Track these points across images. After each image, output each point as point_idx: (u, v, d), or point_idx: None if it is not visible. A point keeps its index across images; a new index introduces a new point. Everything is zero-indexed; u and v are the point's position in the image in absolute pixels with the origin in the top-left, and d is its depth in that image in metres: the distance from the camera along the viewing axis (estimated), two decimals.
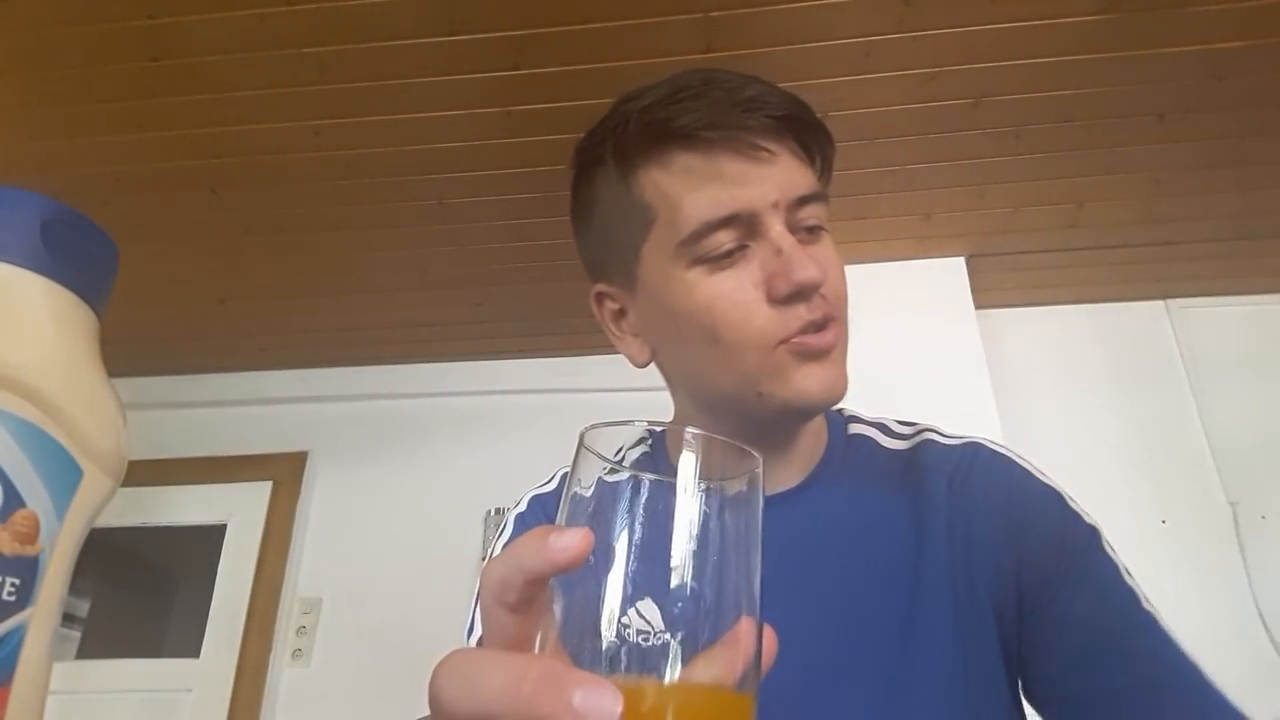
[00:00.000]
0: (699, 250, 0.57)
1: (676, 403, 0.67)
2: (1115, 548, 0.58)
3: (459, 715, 0.26)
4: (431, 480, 2.47)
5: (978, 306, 2.18)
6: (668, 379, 0.66)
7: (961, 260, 2.21)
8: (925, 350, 2.10)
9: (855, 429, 0.68)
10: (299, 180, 1.89)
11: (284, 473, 2.53)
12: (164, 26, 1.52)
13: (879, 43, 1.57)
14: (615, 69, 1.59)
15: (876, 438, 0.67)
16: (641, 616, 0.26)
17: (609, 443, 0.30)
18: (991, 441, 0.65)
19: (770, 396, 0.57)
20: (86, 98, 1.66)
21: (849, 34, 1.55)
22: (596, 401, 2.37)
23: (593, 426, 0.30)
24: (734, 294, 0.56)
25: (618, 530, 0.27)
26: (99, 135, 1.75)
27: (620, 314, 0.65)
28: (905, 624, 0.56)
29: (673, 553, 0.26)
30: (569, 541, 0.26)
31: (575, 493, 0.28)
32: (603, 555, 0.26)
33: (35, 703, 0.27)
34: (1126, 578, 0.57)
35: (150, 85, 1.63)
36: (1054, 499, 0.60)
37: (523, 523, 0.67)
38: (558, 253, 2.10)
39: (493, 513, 2.30)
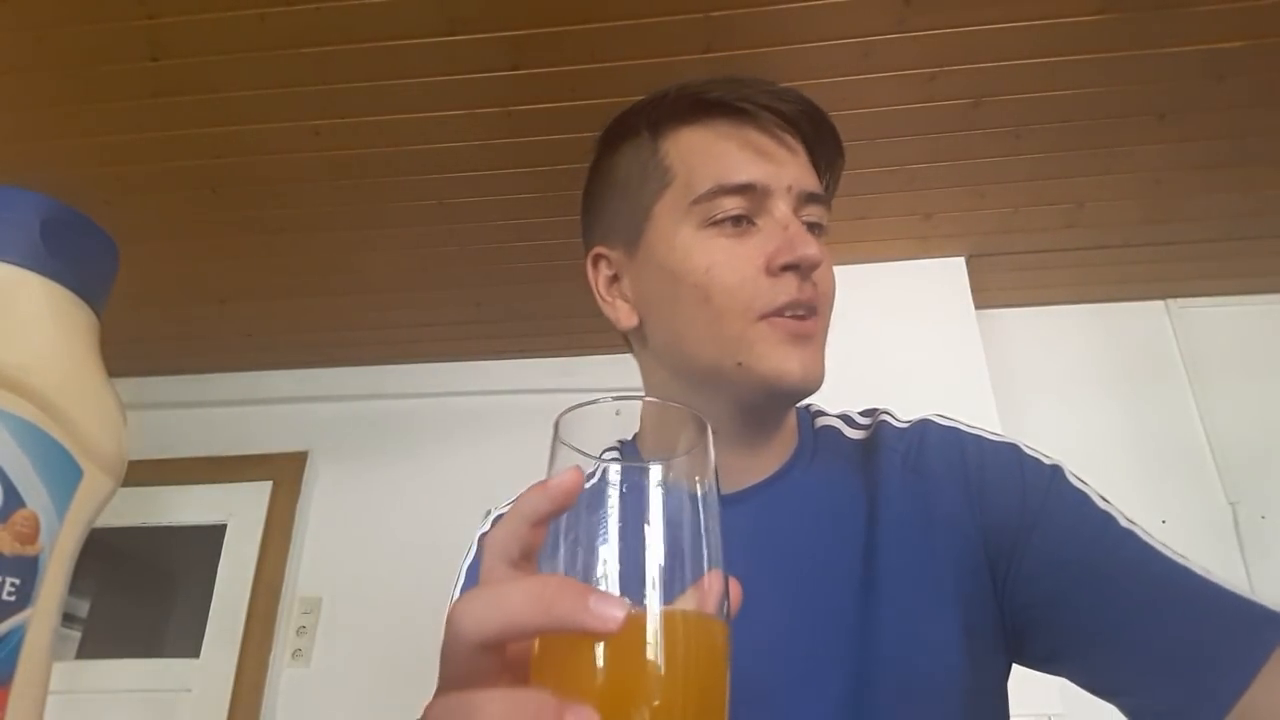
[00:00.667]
0: (708, 210, 0.59)
1: (651, 384, 0.68)
2: (1085, 479, 0.58)
3: (486, 634, 0.28)
4: (431, 480, 2.47)
5: (978, 306, 2.18)
6: (649, 355, 0.66)
7: (961, 260, 2.21)
8: (925, 350, 2.10)
9: (821, 421, 0.70)
10: (299, 180, 1.89)
11: (284, 473, 2.53)
12: (164, 26, 1.52)
13: (879, 43, 1.57)
14: (615, 69, 1.59)
15: (841, 428, 0.69)
16: (614, 574, 0.30)
17: (581, 425, 0.33)
18: (941, 416, 0.65)
19: (749, 369, 0.58)
20: (86, 98, 1.66)
21: (849, 34, 1.55)
22: None
23: (565, 412, 0.33)
24: (732, 260, 0.58)
25: (595, 513, 0.30)
26: (99, 135, 1.75)
27: (614, 279, 0.67)
28: (861, 616, 0.56)
29: (645, 532, 0.30)
30: (563, 477, 0.30)
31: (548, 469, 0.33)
32: (582, 535, 0.31)
33: (35, 703, 0.27)
34: (1100, 503, 0.56)
35: (150, 85, 1.63)
36: (1008, 451, 0.61)
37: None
38: (558, 253, 2.10)
39: (492, 513, 2.29)
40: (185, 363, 2.63)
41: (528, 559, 0.32)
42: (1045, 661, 0.56)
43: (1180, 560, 0.52)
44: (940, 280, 2.19)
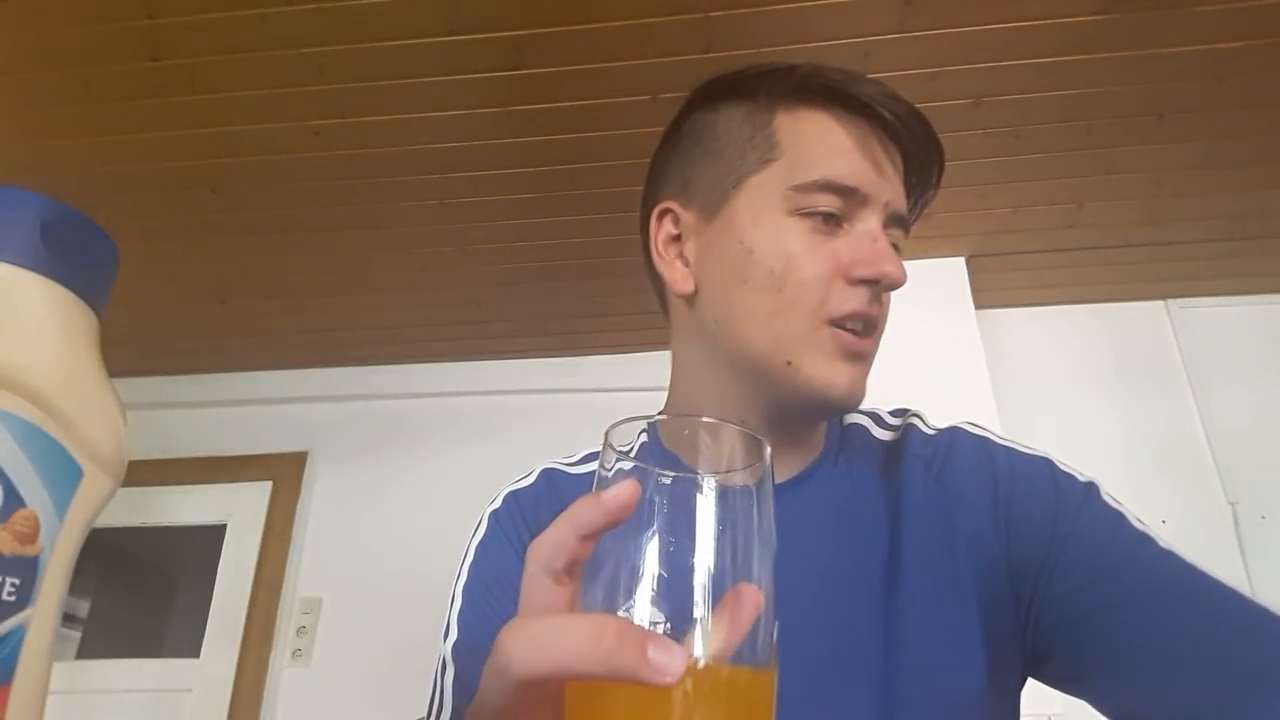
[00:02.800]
0: (804, 201, 0.58)
1: (685, 365, 0.65)
2: (1119, 499, 0.56)
3: (536, 674, 0.27)
4: (431, 480, 2.47)
5: (978, 306, 2.18)
6: (692, 327, 0.63)
7: (961, 260, 2.21)
8: (925, 350, 2.10)
9: (850, 419, 0.68)
10: (299, 180, 1.89)
11: (284, 473, 2.53)
12: (164, 26, 1.52)
13: (879, 43, 1.57)
14: (615, 69, 1.59)
15: (869, 427, 0.67)
16: (659, 599, 0.28)
17: (628, 437, 0.32)
18: (972, 424, 0.64)
19: (797, 370, 0.57)
20: (86, 98, 1.66)
21: (849, 34, 1.55)
22: (596, 401, 2.37)
23: (616, 424, 0.32)
24: (814, 255, 0.57)
25: (639, 523, 0.29)
26: (99, 135, 1.75)
27: (675, 239, 0.64)
28: (884, 619, 0.55)
29: (693, 545, 0.28)
30: (619, 490, 0.28)
31: (603, 477, 0.31)
32: (624, 545, 0.29)
33: (35, 703, 0.27)
34: (1135, 523, 0.54)
35: (150, 85, 1.63)
36: (1041, 466, 0.59)
37: (497, 519, 0.66)
38: (558, 253, 2.10)
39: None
40: (185, 363, 2.63)
41: (571, 573, 0.30)
42: (1068, 681, 0.54)
43: (1222, 581, 0.49)
44: (940, 280, 2.19)
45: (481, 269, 2.20)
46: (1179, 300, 2.38)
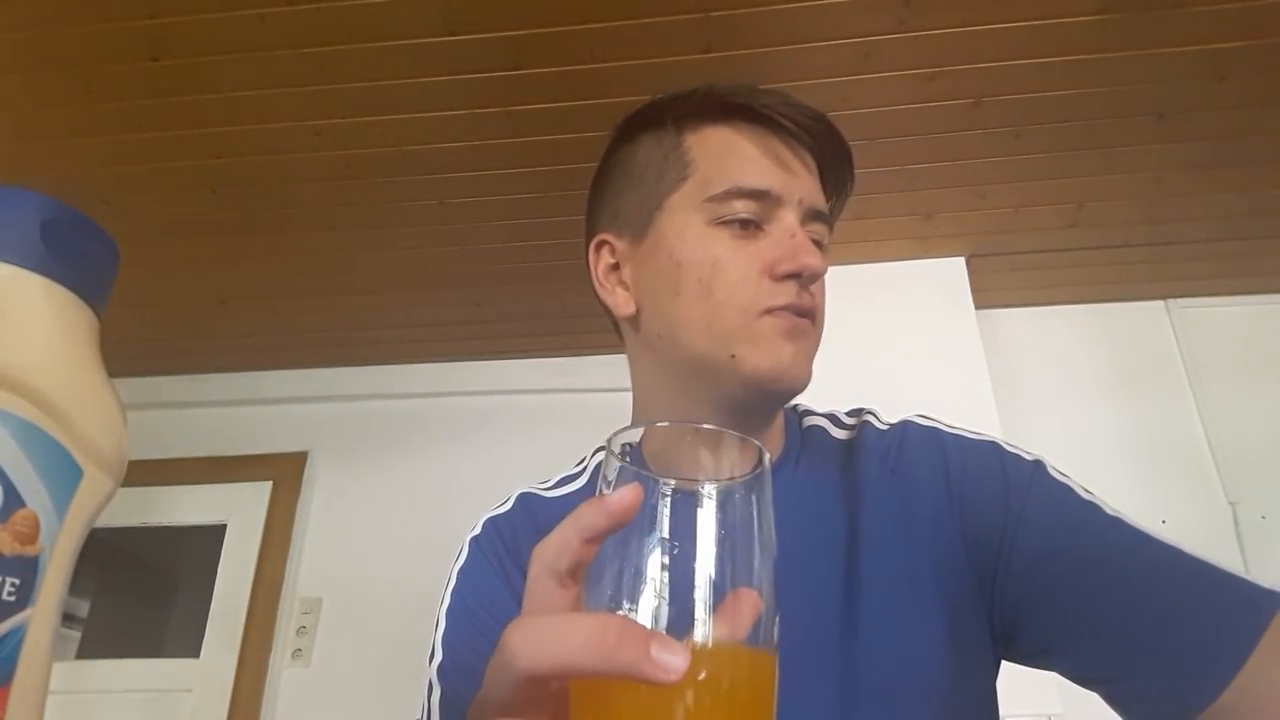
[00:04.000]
0: (720, 209, 0.61)
1: (641, 381, 0.68)
2: (1066, 472, 0.58)
3: (540, 670, 0.28)
4: (431, 480, 2.47)
5: (978, 306, 2.18)
6: (640, 343, 0.67)
7: (961, 260, 2.21)
8: (925, 350, 2.10)
9: (809, 421, 0.70)
10: (299, 180, 1.89)
11: (284, 473, 2.53)
12: (164, 26, 1.52)
13: (879, 43, 1.57)
14: (615, 69, 1.59)
15: (827, 428, 0.69)
16: (660, 601, 0.29)
17: (627, 444, 0.33)
18: (922, 416, 0.66)
19: (742, 360, 0.59)
20: (86, 98, 1.66)
21: (849, 34, 1.55)
22: (596, 401, 2.36)
23: (619, 431, 0.33)
24: (737, 259, 0.60)
25: (641, 527, 0.30)
26: (99, 135, 1.75)
27: (614, 268, 0.68)
28: (845, 613, 0.56)
29: (695, 549, 0.29)
30: (622, 494, 0.29)
31: (602, 488, 0.32)
32: (626, 549, 0.30)
33: (35, 703, 0.27)
34: (1083, 493, 0.56)
35: (150, 85, 1.63)
36: (988, 449, 0.61)
37: (477, 545, 0.68)
38: (558, 253, 2.10)
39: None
40: (185, 363, 2.62)
41: (575, 575, 0.31)
42: (1037, 656, 0.56)
43: (1170, 543, 0.52)
44: (940, 280, 2.19)
45: (482, 269, 2.20)
46: (1179, 300, 2.38)
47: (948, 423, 0.65)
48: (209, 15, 1.50)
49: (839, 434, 0.68)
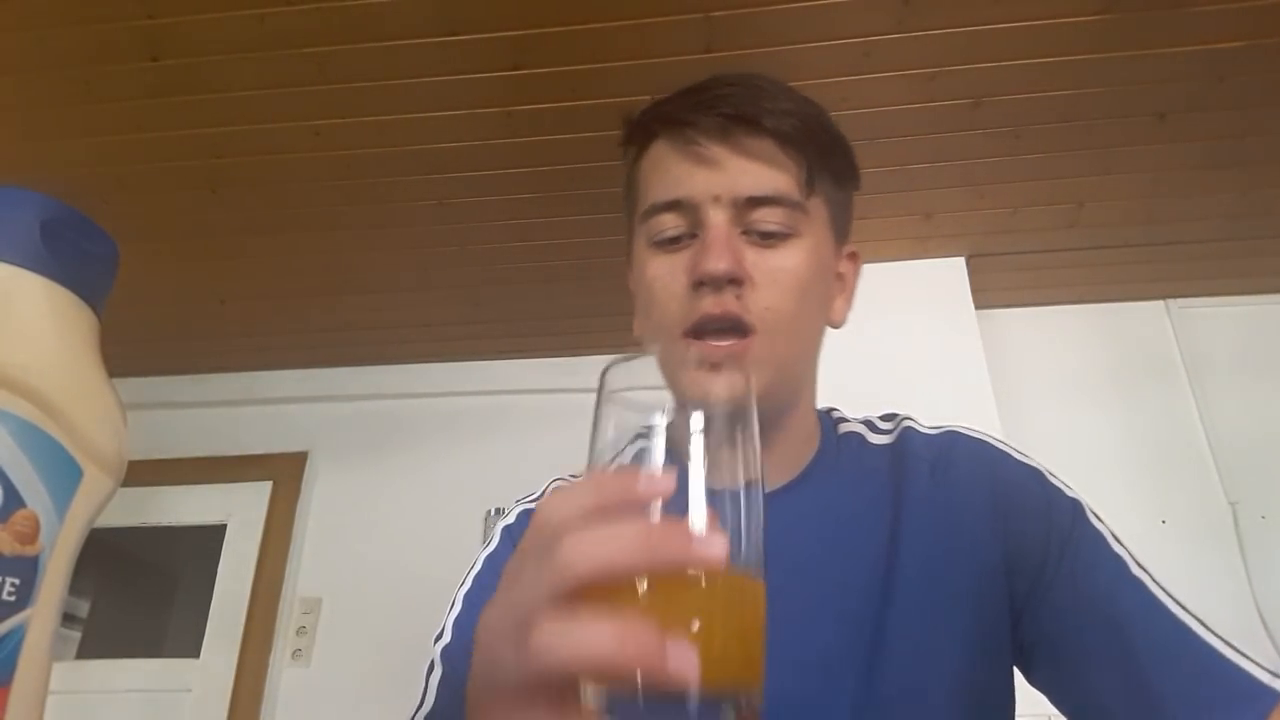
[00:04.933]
0: (650, 230, 0.60)
1: None
2: (1102, 516, 0.59)
3: (589, 572, 0.28)
4: (431, 480, 2.47)
5: (978, 306, 2.18)
6: None
7: (961, 260, 2.21)
8: (925, 350, 2.10)
9: (845, 428, 0.69)
10: (299, 180, 1.89)
11: (284, 473, 2.53)
12: (164, 26, 1.52)
13: (879, 43, 1.57)
14: (615, 69, 1.59)
15: (864, 434, 0.68)
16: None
17: (627, 379, 0.36)
18: (968, 428, 0.66)
19: (674, 388, 0.57)
20: (86, 98, 1.66)
21: (849, 34, 1.55)
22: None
23: (611, 365, 0.35)
24: (666, 276, 0.59)
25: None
26: (99, 135, 1.75)
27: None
28: (876, 619, 0.56)
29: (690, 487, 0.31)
30: (658, 480, 0.30)
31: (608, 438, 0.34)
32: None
33: (35, 703, 0.27)
34: (1114, 545, 0.57)
35: (150, 85, 1.63)
36: (1034, 477, 0.61)
37: (509, 534, 0.67)
38: (558, 253, 2.10)
39: (492, 513, 2.29)
40: (185, 363, 2.63)
41: None
42: (1043, 688, 0.57)
43: (1183, 615, 0.53)
44: (940, 280, 2.19)
45: (481, 269, 2.20)
46: (1179, 300, 2.38)
47: (996, 438, 0.64)
48: (209, 15, 1.50)
49: (876, 439, 0.68)
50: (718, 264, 0.55)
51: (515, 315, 2.41)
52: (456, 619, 0.62)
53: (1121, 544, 0.57)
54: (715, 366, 0.56)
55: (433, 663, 0.60)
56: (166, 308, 2.34)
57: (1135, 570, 0.55)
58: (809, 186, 0.61)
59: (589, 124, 1.71)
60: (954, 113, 1.73)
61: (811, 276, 0.60)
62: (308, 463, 2.54)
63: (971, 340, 2.12)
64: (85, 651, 2.50)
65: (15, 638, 0.26)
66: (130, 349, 2.49)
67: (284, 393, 2.63)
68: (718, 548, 0.28)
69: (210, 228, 2.03)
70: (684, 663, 0.27)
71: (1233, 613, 2.01)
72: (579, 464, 0.76)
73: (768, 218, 0.58)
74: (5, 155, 1.80)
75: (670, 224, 0.59)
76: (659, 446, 0.33)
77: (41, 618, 0.27)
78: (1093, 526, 0.58)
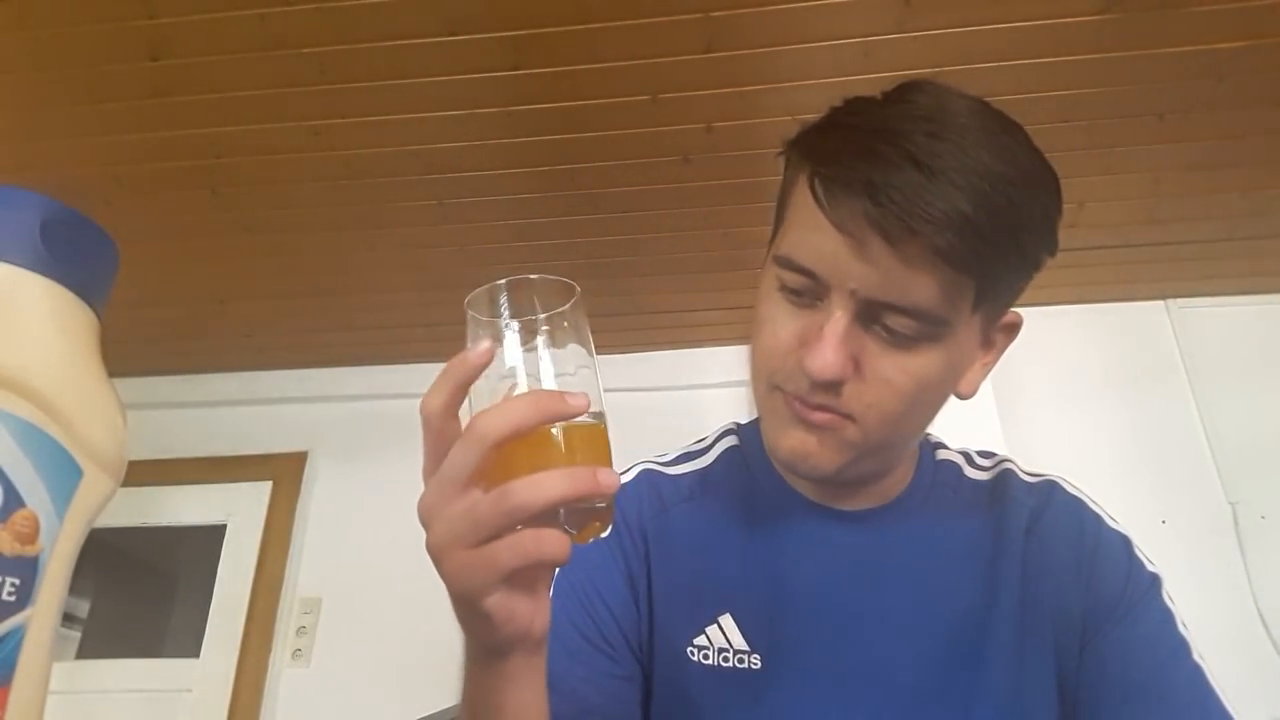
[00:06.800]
0: (780, 274, 0.56)
1: None
2: (1174, 599, 0.61)
3: (503, 434, 0.43)
4: None
5: None
6: None
7: None
8: None
9: (942, 455, 0.70)
10: (299, 180, 1.89)
11: (284, 473, 2.53)
12: (164, 26, 1.52)
13: (879, 43, 1.57)
14: (615, 69, 1.59)
15: (961, 465, 0.70)
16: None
17: (483, 301, 0.50)
18: (1066, 481, 0.68)
19: (764, 430, 0.61)
20: (86, 98, 1.66)
21: (849, 34, 1.55)
22: None
23: (473, 294, 0.51)
24: (780, 326, 0.56)
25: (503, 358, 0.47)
26: (99, 135, 1.75)
27: None
28: (972, 652, 0.58)
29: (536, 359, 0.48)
30: (480, 349, 0.46)
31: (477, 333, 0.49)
32: (500, 371, 0.47)
33: (35, 703, 0.27)
34: (1180, 629, 0.59)
35: (150, 85, 1.63)
36: (1121, 545, 0.63)
37: (632, 490, 0.70)
38: (558, 253, 2.10)
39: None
40: (185, 363, 2.62)
41: (453, 415, 0.47)
42: None
43: (1231, 712, 0.54)
44: None
45: (481, 269, 2.20)
46: (1179, 300, 2.38)
47: (1090, 497, 0.66)
48: (209, 15, 1.49)
49: (974, 474, 0.69)
50: (823, 371, 0.52)
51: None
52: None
53: (1187, 629, 0.59)
54: (801, 423, 0.57)
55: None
56: (166, 308, 2.34)
57: (1195, 658, 0.57)
58: (973, 309, 0.54)
59: (589, 124, 1.71)
60: None
61: (936, 380, 0.55)
62: (307, 462, 2.54)
63: None
64: (85, 651, 2.50)
65: (15, 638, 0.26)
66: (130, 349, 2.49)
67: (284, 393, 2.63)
68: (582, 400, 0.41)
69: (210, 228, 2.03)
70: (608, 478, 0.41)
71: (1233, 613, 2.01)
72: None
73: (902, 325, 0.52)
74: (5, 155, 1.80)
75: (797, 283, 0.55)
76: (513, 341, 0.48)
77: (41, 618, 0.27)
78: (1164, 603, 0.60)
